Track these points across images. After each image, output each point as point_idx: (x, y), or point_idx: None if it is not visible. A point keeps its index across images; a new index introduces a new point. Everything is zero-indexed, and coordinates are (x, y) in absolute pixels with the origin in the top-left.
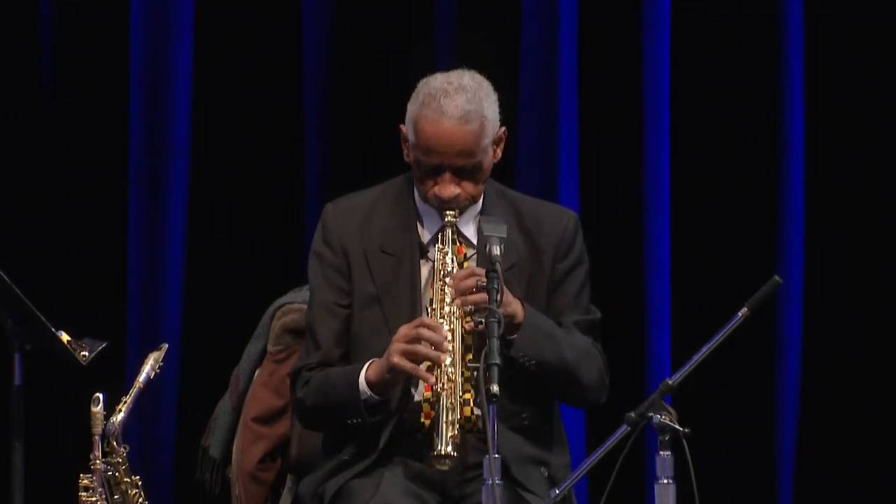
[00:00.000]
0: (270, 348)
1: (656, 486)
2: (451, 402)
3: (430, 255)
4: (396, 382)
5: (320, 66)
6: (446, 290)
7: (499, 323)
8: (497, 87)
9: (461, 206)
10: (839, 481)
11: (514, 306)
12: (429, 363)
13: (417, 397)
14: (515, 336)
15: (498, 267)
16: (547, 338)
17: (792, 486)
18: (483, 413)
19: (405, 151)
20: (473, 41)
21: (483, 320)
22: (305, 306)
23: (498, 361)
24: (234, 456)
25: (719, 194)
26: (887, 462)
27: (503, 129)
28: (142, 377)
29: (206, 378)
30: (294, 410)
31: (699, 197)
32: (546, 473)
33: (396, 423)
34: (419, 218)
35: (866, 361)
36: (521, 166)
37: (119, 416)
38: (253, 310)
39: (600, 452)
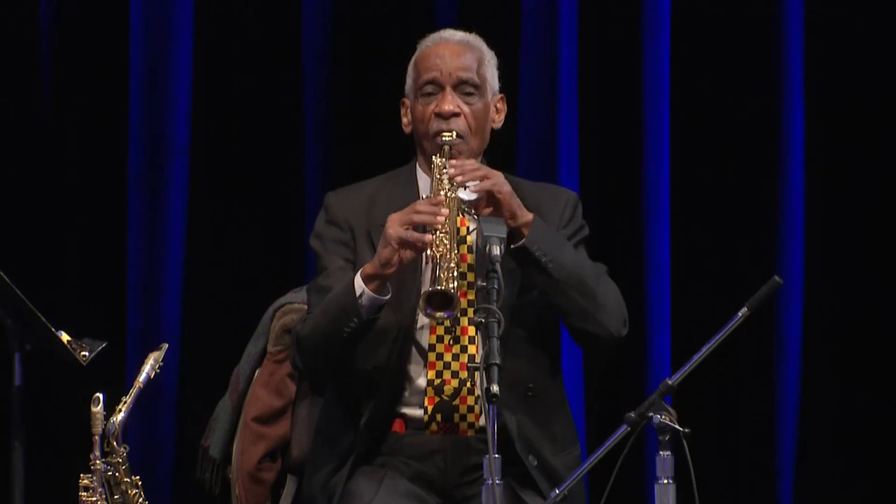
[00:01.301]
0: (270, 348)
1: (656, 486)
2: (447, 259)
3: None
4: (393, 261)
5: (320, 66)
6: (443, 179)
7: (499, 323)
8: (498, 80)
9: (459, 131)
10: (839, 481)
11: (524, 211)
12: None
13: (420, 383)
14: (526, 233)
15: (498, 267)
16: (560, 240)
17: (792, 486)
18: (483, 413)
19: (405, 123)
20: None
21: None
22: (305, 306)
23: (498, 361)
24: (234, 456)
25: (719, 194)
26: (887, 462)
27: (503, 96)
28: (142, 377)
29: (206, 378)
30: (294, 355)
31: (699, 197)
32: (535, 463)
33: (398, 419)
34: (422, 194)
35: (866, 361)
36: (521, 166)
37: (119, 416)
38: (253, 310)
39: (600, 452)
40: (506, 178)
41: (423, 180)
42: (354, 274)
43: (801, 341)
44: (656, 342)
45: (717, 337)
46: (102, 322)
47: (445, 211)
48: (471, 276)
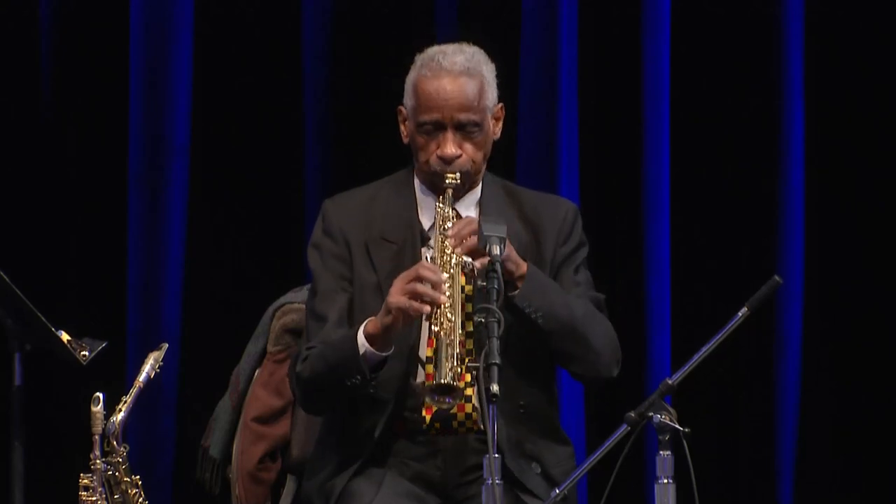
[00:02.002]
0: (270, 348)
1: (656, 486)
2: (450, 339)
3: (431, 242)
4: (395, 328)
5: (320, 66)
6: (446, 243)
7: (499, 323)
8: (497, 88)
9: (462, 171)
10: (839, 481)
11: (519, 263)
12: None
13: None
14: (520, 286)
15: (498, 267)
16: (554, 290)
17: (792, 486)
18: (483, 413)
19: (403, 132)
20: (473, 41)
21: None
22: (305, 306)
23: (498, 361)
24: (234, 456)
25: (719, 194)
26: (887, 462)
27: (501, 105)
28: (142, 377)
29: (206, 378)
30: (294, 388)
31: (699, 197)
32: (539, 470)
33: (398, 421)
34: (420, 206)
35: (866, 361)
36: (521, 166)
37: (119, 416)
38: (253, 310)
39: (600, 452)
40: (504, 186)
41: (420, 193)
42: (348, 293)
43: (801, 341)
44: (656, 342)
45: (717, 337)
46: (102, 322)
47: (446, 297)
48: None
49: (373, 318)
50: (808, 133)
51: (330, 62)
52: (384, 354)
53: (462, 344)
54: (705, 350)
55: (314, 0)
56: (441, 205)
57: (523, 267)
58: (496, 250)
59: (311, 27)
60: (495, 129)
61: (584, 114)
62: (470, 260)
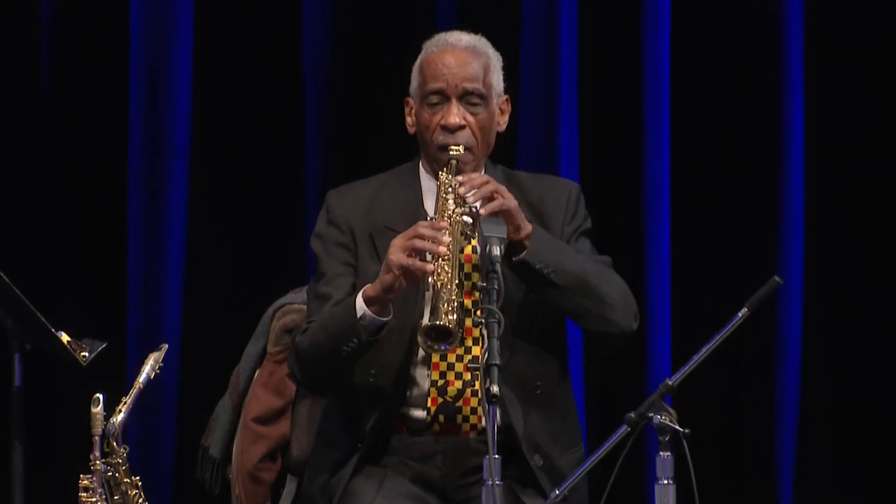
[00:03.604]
0: (270, 348)
1: (656, 487)
2: (447, 288)
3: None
4: (396, 289)
5: (320, 65)
6: (448, 203)
7: (499, 323)
8: (503, 80)
9: (466, 144)
10: (839, 481)
11: (524, 223)
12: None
13: (423, 386)
14: (528, 245)
15: (498, 267)
16: (562, 248)
17: (792, 487)
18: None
19: (409, 123)
20: None
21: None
22: (305, 306)
23: (498, 361)
24: (234, 456)
25: (719, 194)
26: (887, 462)
27: (507, 98)
28: (142, 377)
29: (206, 378)
30: (292, 365)
31: (699, 196)
32: (541, 463)
33: (399, 427)
34: (425, 195)
35: (866, 361)
36: (522, 166)
37: (119, 417)
38: (253, 310)
39: (600, 452)
40: (505, 172)
41: (426, 181)
42: (353, 278)
43: (801, 341)
44: (656, 342)
45: (717, 337)
46: (102, 322)
47: (448, 239)
48: (475, 277)
49: (371, 284)
50: (808, 133)
51: (330, 62)
52: (384, 319)
53: (459, 295)
54: (705, 350)
55: (314, 0)
56: (445, 174)
57: (528, 227)
58: (496, 250)
59: (311, 27)
60: (500, 120)
61: (584, 114)
62: (470, 220)
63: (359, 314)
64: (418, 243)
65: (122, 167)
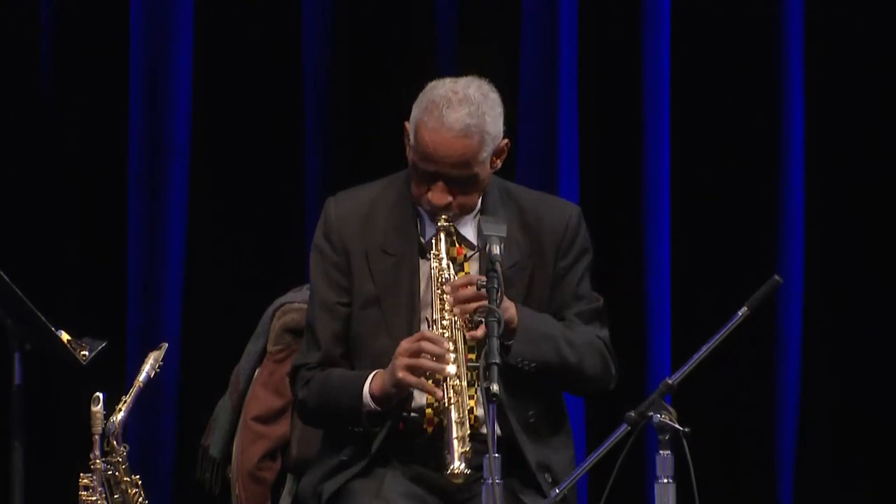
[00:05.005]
0: (270, 348)
1: (656, 486)
2: (459, 416)
3: (430, 255)
4: (401, 396)
5: (320, 66)
6: (445, 299)
7: (499, 322)
8: (497, 89)
9: (452, 215)
10: (839, 481)
11: (510, 311)
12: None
13: (421, 401)
14: (511, 342)
15: (498, 267)
16: (544, 338)
17: (792, 487)
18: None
19: (408, 150)
20: (473, 41)
21: (483, 320)
22: (305, 306)
23: (498, 361)
24: (234, 456)
25: (719, 194)
26: (887, 462)
27: (506, 141)
28: (142, 377)
29: (206, 378)
30: (296, 410)
31: (699, 197)
32: (550, 479)
33: (399, 426)
34: (420, 217)
35: (866, 361)
36: (521, 166)
37: (119, 416)
38: (253, 310)
39: (600, 452)
40: (504, 187)
41: None
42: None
43: (801, 341)
44: (656, 342)
45: (717, 337)
46: (102, 322)
47: (452, 358)
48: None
49: (379, 373)
50: (808, 133)
51: (330, 62)
52: (387, 410)
53: (470, 420)
54: (705, 350)
55: (314, 0)
56: (436, 252)
57: (514, 321)
58: (496, 250)
59: (311, 27)
60: (495, 163)
61: (584, 114)
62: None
63: (365, 408)
64: (425, 364)
65: (122, 167)
